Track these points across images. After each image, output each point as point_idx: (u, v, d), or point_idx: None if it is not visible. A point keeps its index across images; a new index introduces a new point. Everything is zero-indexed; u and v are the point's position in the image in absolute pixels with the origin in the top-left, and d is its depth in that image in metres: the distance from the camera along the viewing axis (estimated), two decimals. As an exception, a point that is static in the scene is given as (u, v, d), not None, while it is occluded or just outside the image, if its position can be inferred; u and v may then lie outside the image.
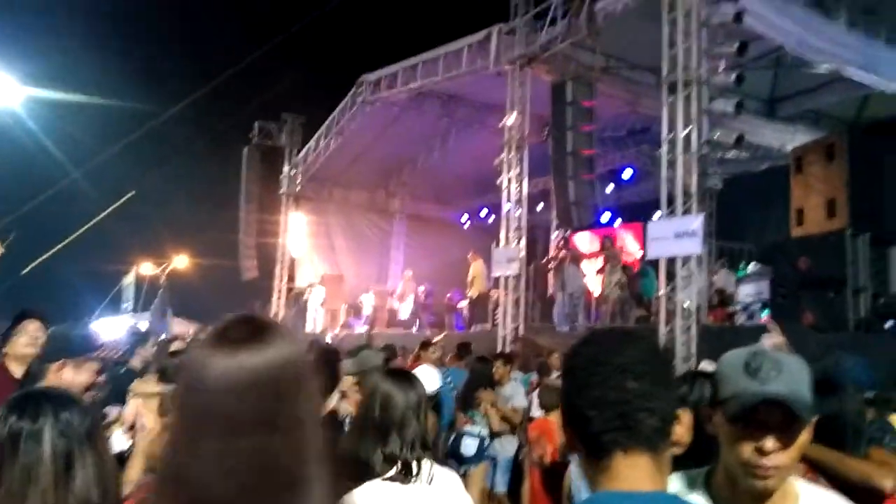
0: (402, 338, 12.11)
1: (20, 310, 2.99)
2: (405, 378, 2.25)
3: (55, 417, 1.39)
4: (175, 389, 0.94)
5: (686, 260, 8.24)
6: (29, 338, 2.88)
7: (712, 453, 1.49)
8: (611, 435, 1.03)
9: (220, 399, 0.88)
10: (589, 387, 1.06)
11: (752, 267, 10.91)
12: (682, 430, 1.11)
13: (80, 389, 2.47)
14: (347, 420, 2.84)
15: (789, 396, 1.24)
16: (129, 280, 28.24)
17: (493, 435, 5.94)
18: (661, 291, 8.48)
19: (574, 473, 2.95)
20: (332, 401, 2.98)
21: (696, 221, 8.11)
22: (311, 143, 18.87)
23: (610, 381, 1.04)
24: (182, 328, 16.20)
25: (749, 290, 9.46)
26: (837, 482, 2.12)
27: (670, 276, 8.37)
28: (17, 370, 2.91)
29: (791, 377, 1.26)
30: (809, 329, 7.21)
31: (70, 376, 2.50)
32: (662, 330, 8.25)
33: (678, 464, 1.28)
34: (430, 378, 3.61)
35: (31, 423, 1.37)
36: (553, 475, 4.47)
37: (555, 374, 7.39)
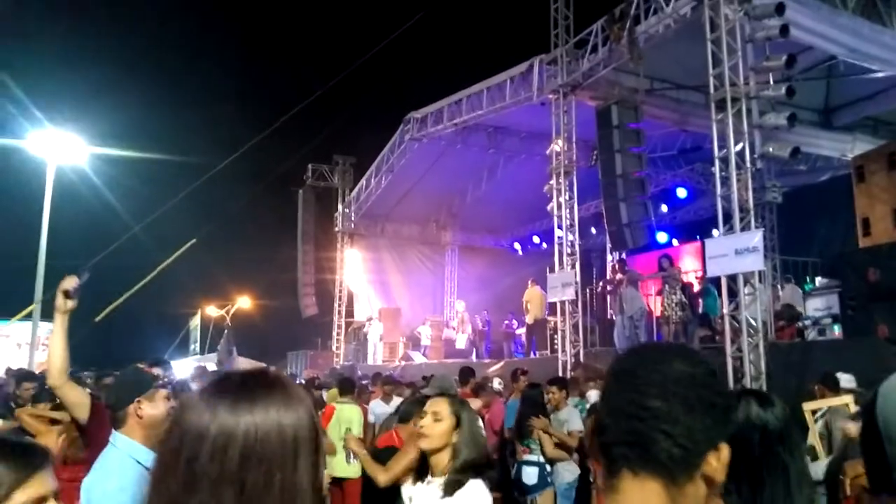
0: (457, 368, 12.16)
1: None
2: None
3: None
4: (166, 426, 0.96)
5: (749, 276, 8.08)
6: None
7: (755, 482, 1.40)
8: (621, 449, 0.94)
9: (191, 446, 0.87)
10: (610, 396, 0.99)
11: (819, 280, 10.57)
12: (719, 465, 0.92)
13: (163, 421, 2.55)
14: None
15: None
16: (195, 323, 29.29)
17: (550, 462, 5.91)
18: (725, 309, 8.31)
19: None
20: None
21: (756, 237, 7.96)
22: (363, 181, 19.40)
23: (630, 395, 0.95)
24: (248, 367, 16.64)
25: (818, 305, 9.16)
26: None
27: (733, 294, 8.20)
28: None
29: None
30: (885, 342, 6.94)
31: (149, 411, 2.53)
32: (729, 349, 8.07)
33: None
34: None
35: None
36: None
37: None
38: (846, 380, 5.33)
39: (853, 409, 4.31)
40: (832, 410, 4.51)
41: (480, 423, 5.33)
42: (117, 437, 2.49)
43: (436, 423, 2.56)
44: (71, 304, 2.82)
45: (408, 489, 2.67)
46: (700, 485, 0.92)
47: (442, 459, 2.54)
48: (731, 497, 1.35)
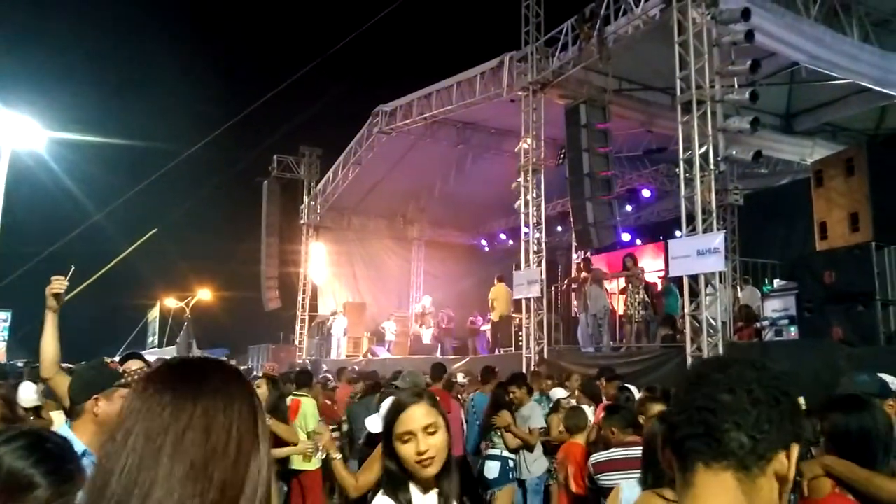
0: (425, 363, 12.12)
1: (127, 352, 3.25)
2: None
3: None
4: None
5: (710, 277, 8.21)
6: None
7: None
8: (693, 442, 0.98)
9: (130, 430, 0.85)
10: (681, 396, 1.04)
11: (777, 282, 10.81)
12: (790, 464, 0.97)
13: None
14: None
15: None
16: (153, 315, 28.64)
17: (513, 453, 5.96)
18: (686, 309, 8.44)
19: (627, 499, 2.86)
20: None
21: (718, 238, 8.10)
22: (330, 173, 19.18)
23: (702, 389, 1.00)
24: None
25: (775, 306, 9.35)
26: (866, 499, 2.12)
27: (694, 294, 8.33)
28: None
29: None
30: (839, 344, 7.12)
31: (106, 409, 2.52)
32: (689, 348, 8.20)
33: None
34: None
35: None
36: (584, 501, 4.45)
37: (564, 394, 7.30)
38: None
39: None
40: None
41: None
42: (65, 430, 2.46)
43: (435, 438, 2.02)
44: (60, 303, 2.99)
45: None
46: (773, 481, 0.96)
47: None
48: None
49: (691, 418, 0.99)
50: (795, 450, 0.98)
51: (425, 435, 2.00)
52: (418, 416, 2.03)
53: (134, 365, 3.23)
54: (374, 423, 3.76)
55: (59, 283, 2.95)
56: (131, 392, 0.91)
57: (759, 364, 1.04)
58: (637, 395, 5.85)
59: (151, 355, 20.36)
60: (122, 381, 2.64)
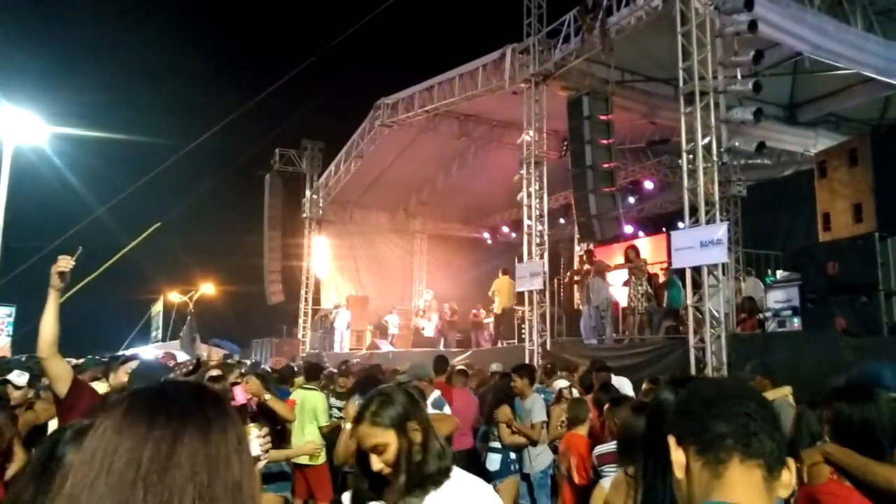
0: (428, 356, 12.15)
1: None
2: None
3: None
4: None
5: (712, 269, 8.20)
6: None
7: None
8: (732, 440, 1.13)
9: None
10: (716, 402, 1.18)
11: (780, 274, 10.78)
12: (792, 478, 1.16)
13: None
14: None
15: None
16: (157, 309, 28.71)
17: (517, 449, 5.94)
18: (689, 301, 8.44)
19: (606, 490, 2.92)
20: None
21: (721, 230, 8.08)
22: (332, 167, 19.16)
23: (736, 400, 1.18)
24: (216, 355, 16.38)
25: (779, 297, 9.33)
26: (864, 486, 2.14)
27: (697, 286, 8.33)
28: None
29: None
30: (842, 335, 7.11)
31: None
32: (692, 340, 8.20)
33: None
34: None
35: None
36: (587, 492, 4.48)
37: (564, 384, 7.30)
38: None
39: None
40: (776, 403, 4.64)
41: (448, 409, 5.33)
42: None
43: (385, 455, 1.99)
44: (64, 281, 3.00)
45: None
46: (780, 489, 1.15)
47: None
48: None
49: (730, 422, 1.15)
50: (793, 463, 1.17)
51: (374, 454, 1.97)
52: (363, 436, 2.00)
53: (133, 365, 3.28)
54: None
55: (65, 262, 2.96)
56: (107, 421, 0.82)
57: (749, 385, 1.29)
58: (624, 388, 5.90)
59: (156, 349, 20.46)
60: (171, 375, 2.71)
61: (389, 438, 1.98)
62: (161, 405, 0.83)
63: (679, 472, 1.17)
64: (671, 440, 1.19)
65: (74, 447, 1.50)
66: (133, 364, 3.37)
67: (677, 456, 1.17)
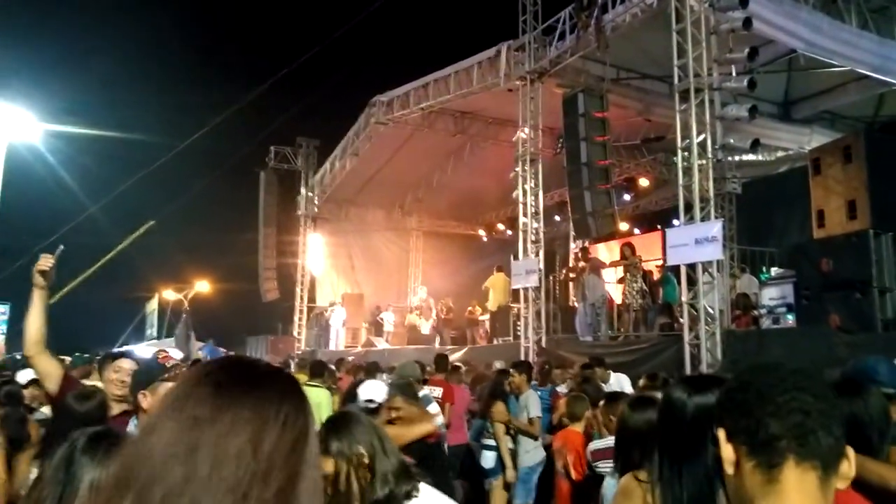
0: (423, 354, 12.15)
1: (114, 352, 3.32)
2: None
3: None
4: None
5: (707, 266, 8.22)
6: (122, 374, 3.24)
7: None
8: (787, 442, 1.07)
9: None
10: (769, 396, 1.11)
11: (775, 270, 10.83)
12: (851, 469, 1.10)
13: None
14: None
15: None
16: (152, 307, 28.63)
17: (512, 439, 5.96)
18: (684, 298, 8.46)
19: (608, 488, 2.89)
20: None
21: (716, 227, 8.10)
22: (327, 164, 19.11)
23: (792, 393, 1.10)
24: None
25: (773, 294, 9.38)
26: (857, 483, 2.14)
27: (692, 283, 8.35)
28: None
29: None
30: (836, 331, 7.14)
31: (152, 402, 2.63)
32: (687, 336, 8.22)
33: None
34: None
35: None
36: (583, 489, 4.48)
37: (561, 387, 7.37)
38: None
39: None
40: None
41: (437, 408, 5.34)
42: (131, 426, 2.76)
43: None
44: (47, 280, 2.99)
45: None
46: (837, 483, 1.09)
47: None
48: None
49: (785, 420, 1.08)
50: (851, 450, 1.10)
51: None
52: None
53: (125, 364, 3.25)
54: (369, 390, 3.76)
55: (45, 261, 2.99)
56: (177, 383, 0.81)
57: (808, 372, 1.16)
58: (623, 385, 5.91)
59: (151, 347, 20.40)
60: (166, 375, 2.69)
61: (329, 467, 1.96)
62: (231, 373, 0.83)
63: (729, 468, 1.12)
64: (721, 434, 1.13)
65: (89, 457, 1.58)
66: (124, 362, 3.34)
67: (727, 452, 1.12)
